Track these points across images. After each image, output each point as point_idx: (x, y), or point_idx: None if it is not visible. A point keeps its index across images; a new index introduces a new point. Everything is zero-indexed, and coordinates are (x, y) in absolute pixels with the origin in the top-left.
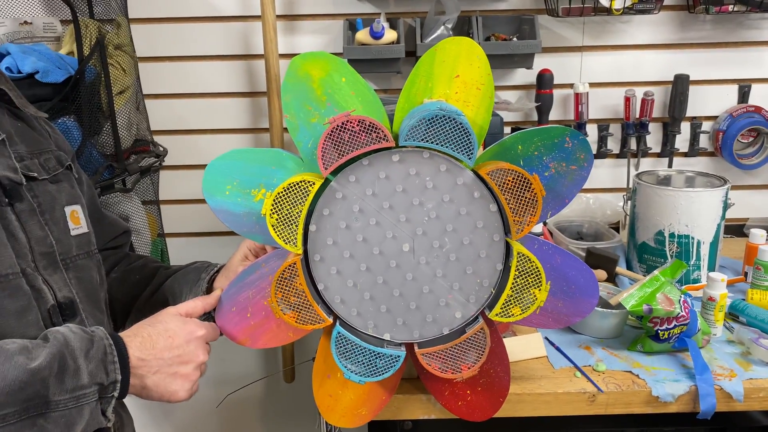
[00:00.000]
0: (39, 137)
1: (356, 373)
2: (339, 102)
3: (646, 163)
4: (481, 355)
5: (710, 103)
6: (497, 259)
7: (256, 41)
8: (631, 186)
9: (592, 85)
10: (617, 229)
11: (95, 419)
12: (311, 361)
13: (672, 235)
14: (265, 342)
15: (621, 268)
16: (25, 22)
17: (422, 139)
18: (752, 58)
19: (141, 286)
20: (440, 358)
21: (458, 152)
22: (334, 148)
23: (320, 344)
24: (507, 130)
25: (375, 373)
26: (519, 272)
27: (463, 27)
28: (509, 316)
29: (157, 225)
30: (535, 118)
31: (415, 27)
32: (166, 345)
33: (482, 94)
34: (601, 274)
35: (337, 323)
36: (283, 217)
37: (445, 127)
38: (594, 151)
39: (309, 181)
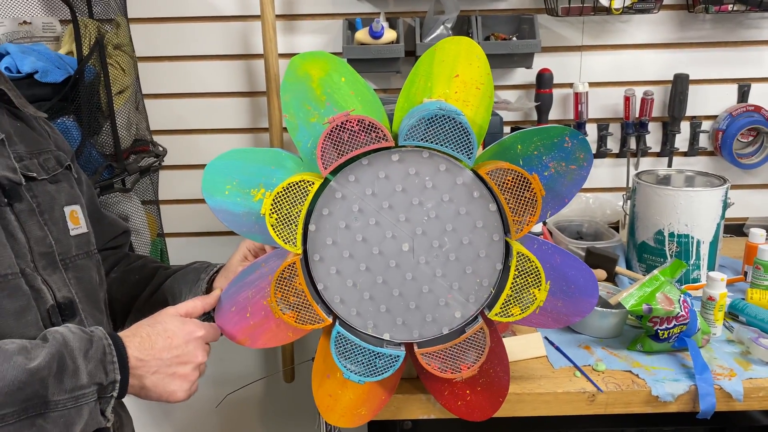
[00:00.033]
0: (38, 137)
1: (356, 373)
2: (338, 101)
3: (645, 163)
4: (481, 354)
5: (710, 102)
6: (497, 258)
7: (256, 41)
8: (630, 185)
9: (591, 84)
10: (617, 229)
11: (94, 419)
12: (311, 361)
13: (672, 235)
14: (265, 342)
15: (621, 268)
16: (25, 22)
17: (422, 139)
18: (752, 58)
19: (140, 286)
20: (440, 357)
21: (458, 152)
22: (334, 147)
23: (320, 344)
24: (506, 129)
25: (374, 373)
26: (518, 272)
27: (462, 26)
28: (509, 316)
29: (157, 225)
30: (535, 117)
31: (415, 26)
32: (165, 345)
33: (482, 94)
34: (601, 273)
35: (337, 323)
36: (282, 216)
37: (445, 127)
38: (593, 151)
39: (308, 181)
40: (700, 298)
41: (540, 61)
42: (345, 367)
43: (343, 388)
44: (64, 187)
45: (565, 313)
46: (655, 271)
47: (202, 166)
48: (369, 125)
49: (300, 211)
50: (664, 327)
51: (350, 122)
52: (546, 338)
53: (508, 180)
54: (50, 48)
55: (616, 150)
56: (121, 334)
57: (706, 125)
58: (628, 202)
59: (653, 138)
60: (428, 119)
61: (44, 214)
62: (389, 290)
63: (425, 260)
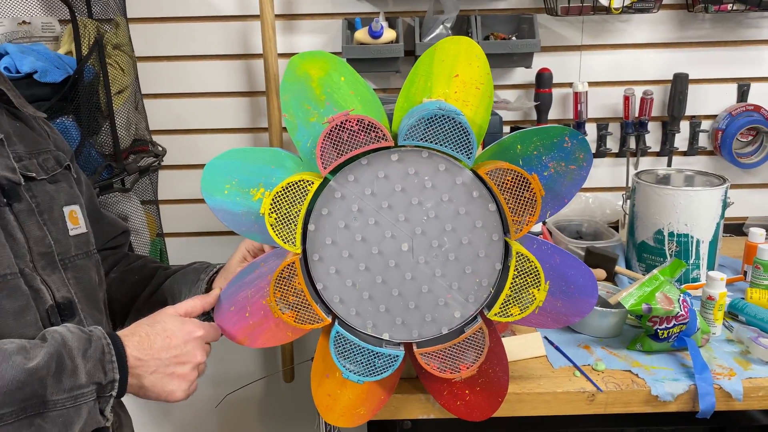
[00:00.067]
0: (38, 137)
1: (355, 373)
2: (338, 101)
3: (645, 162)
4: (480, 354)
5: (709, 101)
6: (496, 258)
7: (255, 41)
8: (630, 185)
9: (591, 84)
10: (616, 228)
11: (93, 419)
12: (311, 360)
13: (671, 234)
14: (264, 341)
15: (620, 267)
16: (24, 22)
17: (421, 139)
18: (751, 57)
19: (140, 286)
20: (439, 357)
21: (457, 152)
22: (333, 147)
23: (319, 344)
24: (506, 129)
25: (373, 373)
26: (518, 272)
27: (461, 26)
28: (508, 316)
29: (156, 225)
30: (534, 117)
31: (414, 26)
32: (164, 345)
33: (481, 94)
34: (601, 273)
35: (336, 323)
36: (281, 216)
37: (444, 127)
38: (593, 150)
39: (308, 181)
40: (700, 297)
41: (539, 61)
42: (344, 366)
43: (342, 387)
44: (63, 187)
45: (565, 313)
46: (655, 271)
47: (201, 166)
48: (368, 125)
49: (299, 210)
50: (663, 326)
51: (350, 122)
52: (545, 338)
53: (508, 180)
54: (49, 48)
55: (615, 149)
56: (119, 333)
57: (705, 125)
58: (628, 201)
59: (653, 137)
60: (428, 119)
61: (43, 214)
62: (389, 290)
63: (425, 260)
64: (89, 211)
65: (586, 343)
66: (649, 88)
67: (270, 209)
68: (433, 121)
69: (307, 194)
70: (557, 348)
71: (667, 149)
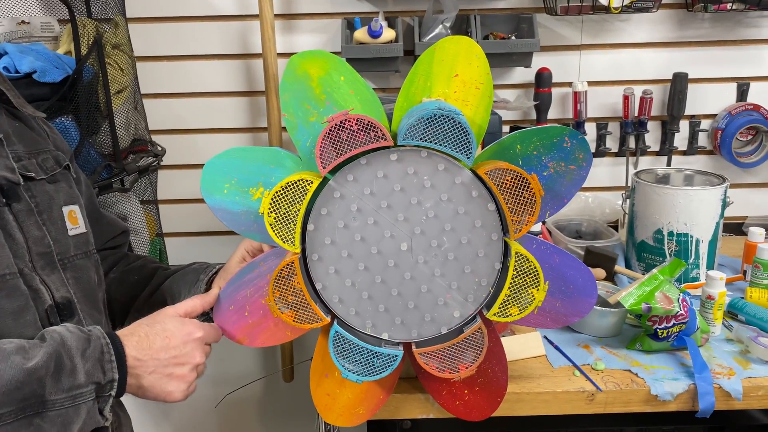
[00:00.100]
0: (37, 137)
1: (354, 372)
2: (337, 101)
3: (644, 162)
4: (479, 354)
5: (709, 101)
6: (495, 258)
7: (255, 40)
8: (629, 184)
9: (590, 83)
10: (616, 228)
11: (92, 418)
12: (310, 360)
13: (671, 234)
14: (263, 341)
15: (620, 267)
16: (23, 22)
17: (421, 138)
18: (751, 56)
19: (140, 286)
20: (438, 357)
21: (457, 151)
22: (333, 146)
23: (318, 343)
24: (505, 128)
25: (372, 373)
26: (517, 272)
27: (461, 26)
28: (507, 316)
29: (156, 225)
30: (534, 116)
31: (414, 26)
32: (163, 345)
33: (481, 94)
34: (600, 272)
35: (335, 322)
36: (281, 215)
37: (444, 127)
38: (592, 150)
39: (307, 180)
40: (700, 297)
41: (539, 60)
42: (343, 366)
43: (341, 387)
44: (62, 187)
45: (564, 313)
46: (655, 270)
47: (200, 166)
48: (368, 124)
49: (298, 210)
50: (663, 326)
51: (349, 121)
52: (545, 337)
53: (507, 180)
54: (48, 48)
55: (615, 149)
56: (119, 333)
57: (705, 124)
58: (627, 201)
59: (652, 137)
60: (427, 119)
61: (42, 214)
62: (388, 290)
63: (424, 260)
64: (88, 211)
65: (586, 343)
66: (649, 87)
67: (269, 208)
68: (432, 120)
69: (306, 194)
70: (557, 347)
71: (666, 149)
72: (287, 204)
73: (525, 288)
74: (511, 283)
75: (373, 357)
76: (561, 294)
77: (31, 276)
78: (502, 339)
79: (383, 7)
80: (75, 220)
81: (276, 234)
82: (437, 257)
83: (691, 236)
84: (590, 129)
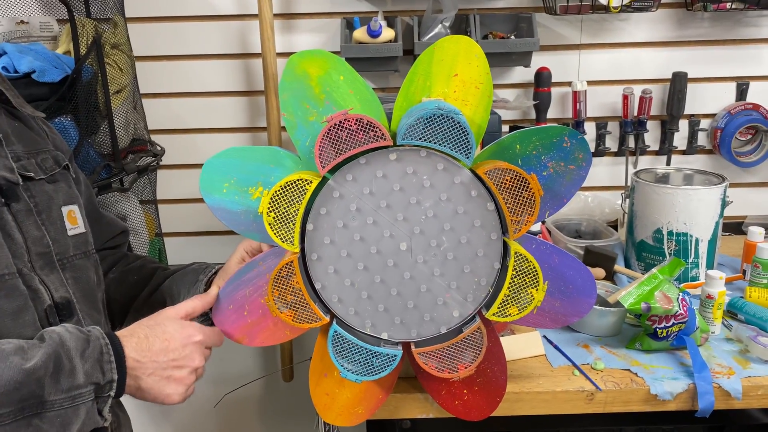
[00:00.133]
0: (36, 137)
1: (353, 372)
2: (337, 100)
3: (644, 161)
4: (478, 354)
5: (708, 100)
6: (495, 257)
7: (254, 40)
8: (629, 184)
9: (590, 83)
10: (615, 227)
11: (91, 419)
12: (310, 360)
13: (670, 233)
14: (262, 340)
15: (619, 266)
16: (22, 22)
17: (420, 138)
18: (750, 56)
19: (139, 286)
20: (437, 357)
21: (456, 151)
22: (332, 146)
23: (317, 343)
24: (505, 128)
25: (372, 372)
26: (516, 272)
27: (460, 25)
28: (506, 316)
29: (155, 224)
30: (533, 116)
31: (413, 25)
32: (162, 348)
33: (481, 93)
34: (600, 272)
35: (334, 322)
36: (280, 215)
37: (443, 126)
38: (592, 149)
39: (306, 180)
40: (699, 296)
41: (538, 60)
42: (342, 366)
43: (340, 386)
44: (61, 187)
45: (563, 313)
46: (654, 270)
47: (200, 166)
48: (367, 124)
49: (298, 209)
50: (662, 325)
51: (348, 121)
52: (545, 337)
53: (507, 180)
54: (47, 47)
55: (614, 148)
56: (118, 333)
57: (704, 123)
58: (627, 200)
59: (652, 136)
60: (427, 118)
61: (42, 214)
62: (387, 289)
63: (423, 259)
64: (88, 211)
65: (585, 342)
66: (648, 86)
67: (268, 208)
68: (432, 120)
69: (305, 193)
70: (556, 347)
71: (666, 148)
72: (286, 203)
73: (524, 288)
74: (510, 283)
75: (373, 357)
76: (560, 294)
77: (30, 276)
78: (501, 339)
79: (382, 6)
80: (74, 220)
81: (275, 233)
82: (436, 257)
83: (691, 236)
84: (590, 128)
